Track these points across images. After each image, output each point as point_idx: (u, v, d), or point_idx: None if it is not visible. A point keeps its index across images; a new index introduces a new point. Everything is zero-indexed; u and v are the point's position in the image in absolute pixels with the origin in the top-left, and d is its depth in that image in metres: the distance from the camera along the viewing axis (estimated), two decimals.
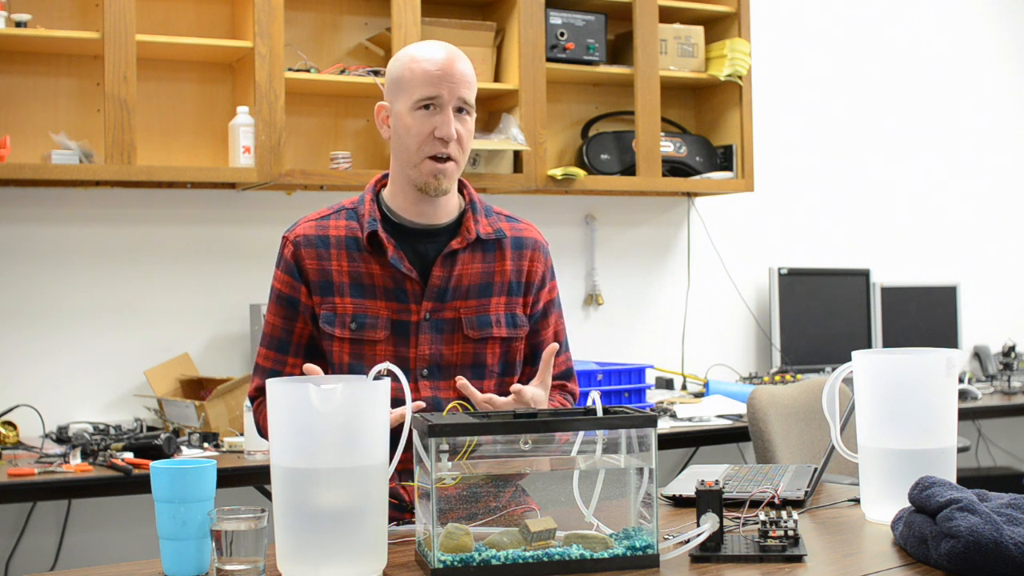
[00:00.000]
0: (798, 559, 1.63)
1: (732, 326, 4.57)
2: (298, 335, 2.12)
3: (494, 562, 1.56)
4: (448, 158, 2.07)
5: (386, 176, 2.18)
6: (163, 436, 2.98)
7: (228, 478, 2.85)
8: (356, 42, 3.83)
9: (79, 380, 3.47)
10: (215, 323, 3.65)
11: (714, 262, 4.51)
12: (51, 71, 3.42)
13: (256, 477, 2.96)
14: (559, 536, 1.62)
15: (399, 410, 1.77)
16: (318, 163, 3.73)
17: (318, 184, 3.61)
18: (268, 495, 2.88)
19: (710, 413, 3.73)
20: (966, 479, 2.02)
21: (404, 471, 1.96)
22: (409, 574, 1.61)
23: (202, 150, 3.60)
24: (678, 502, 2.03)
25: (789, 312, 4.47)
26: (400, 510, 2.04)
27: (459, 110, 2.08)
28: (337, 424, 1.53)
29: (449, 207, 2.15)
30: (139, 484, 2.79)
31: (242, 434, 3.08)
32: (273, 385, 1.57)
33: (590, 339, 4.23)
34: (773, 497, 1.90)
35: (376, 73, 3.60)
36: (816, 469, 2.18)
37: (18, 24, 3.21)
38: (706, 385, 4.10)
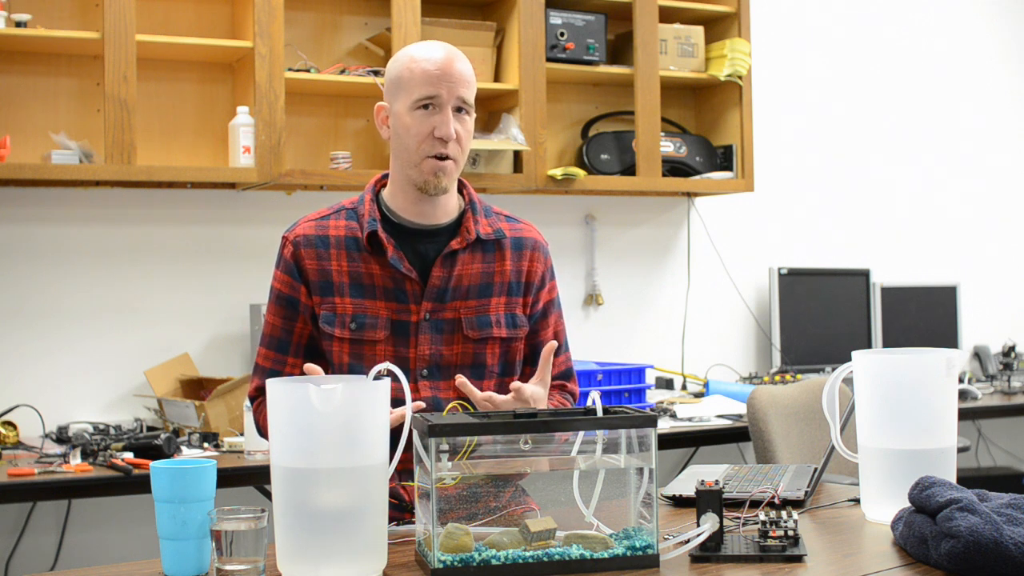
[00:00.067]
0: (798, 559, 1.63)
1: (732, 326, 4.57)
2: (298, 335, 2.12)
3: (494, 562, 1.56)
4: (447, 157, 2.07)
5: (386, 176, 2.18)
6: (163, 436, 2.98)
7: (228, 478, 2.84)
8: (356, 42, 3.83)
9: (79, 380, 3.47)
10: (215, 323, 3.65)
11: (714, 262, 4.51)
12: (51, 71, 3.42)
13: (256, 477, 2.96)
14: (559, 536, 1.62)
15: (399, 410, 1.77)
16: (318, 163, 3.73)
17: (318, 184, 3.61)
18: (268, 495, 2.88)
19: (710, 413, 3.73)
20: (966, 479, 2.02)
21: (404, 471, 1.96)
22: (409, 574, 1.61)
23: (202, 150, 3.60)
24: (678, 502, 2.03)
25: (789, 312, 4.47)
26: (400, 510, 2.04)
27: (458, 110, 2.08)
28: (337, 424, 1.53)
29: (449, 207, 2.15)
30: (139, 484, 2.79)
31: (242, 434, 3.08)
32: (273, 385, 1.57)
33: (590, 339, 4.23)
34: (773, 497, 1.90)
35: (376, 73, 3.60)
36: (816, 469, 2.18)
37: (18, 24, 3.21)
38: (706, 385, 4.10)
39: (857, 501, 2.02)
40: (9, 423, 3.16)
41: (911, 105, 5.04)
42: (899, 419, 1.87)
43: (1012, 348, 4.77)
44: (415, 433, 1.65)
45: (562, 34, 3.89)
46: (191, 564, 1.60)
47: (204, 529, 1.59)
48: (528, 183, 3.81)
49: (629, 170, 4.06)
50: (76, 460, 2.88)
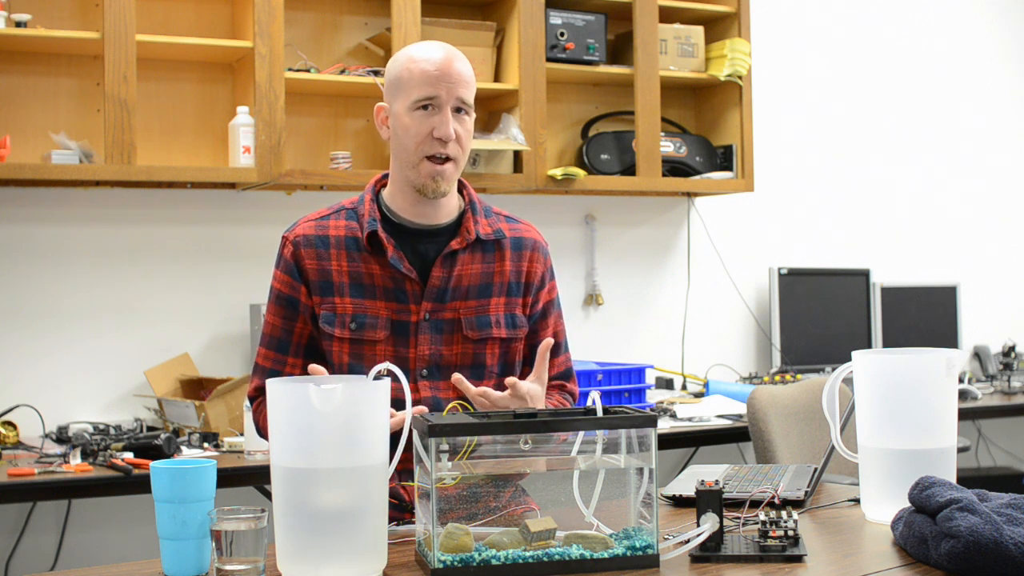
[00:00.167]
0: (798, 559, 1.63)
1: (732, 326, 4.57)
2: (298, 335, 2.12)
3: (494, 562, 1.56)
4: (447, 158, 2.07)
5: (386, 176, 2.18)
6: (163, 436, 2.98)
7: (228, 478, 2.84)
8: (356, 42, 3.83)
9: (79, 380, 3.47)
10: (215, 323, 3.65)
11: (714, 262, 4.51)
12: (51, 71, 3.42)
13: (256, 477, 2.96)
14: (559, 536, 1.62)
15: (399, 416, 1.77)
16: (318, 163, 3.73)
17: (318, 184, 3.61)
18: (268, 495, 2.88)
19: (710, 413, 3.73)
20: (966, 479, 2.02)
21: (404, 471, 1.96)
22: (409, 574, 1.61)
23: (202, 150, 3.60)
24: (678, 502, 2.03)
25: (789, 312, 4.47)
26: (400, 510, 2.04)
27: (458, 110, 2.08)
28: (337, 424, 1.53)
29: (449, 207, 2.15)
30: (139, 484, 2.79)
31: (242, 434, 3.08)
32: (273, 385, 1.57)
33: (590, 339, 4.23)
34: (773, 497, 1.90)
35: (376, 73, 3.60)
36: (816, 469, 2.18)
37: (18, 24, 3.21)
38: (706, 385, 4.10)
39: (857, 501, 2.02)
40: (9, 423, 3.16)
41: (911, 105, 5.04)
42: (899, 419, 1.87)
43: (1012, 348, 4.77)
44: (415, 433, 1.65)
45: (562, 34, 3.89)
46: (191, 564, 1.60)
47: (204, 529, 1.59)
48: (528, 183, 3.81)
49: (629, 170, 4.06)
50: (76, 460, 2.88)
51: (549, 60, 3.85)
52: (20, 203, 3.42)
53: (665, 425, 3.57)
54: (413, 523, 1.85)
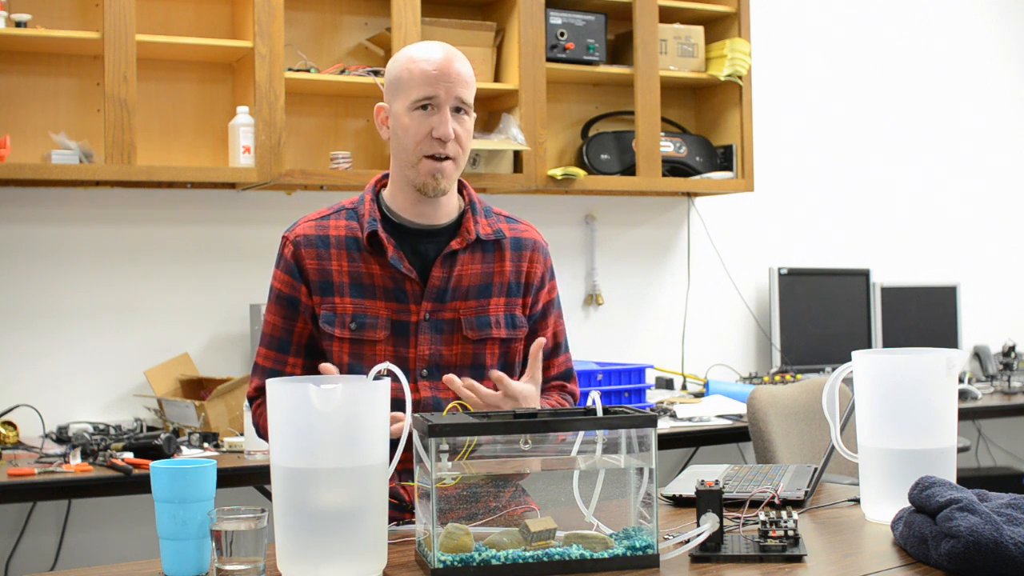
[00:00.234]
0: (798, 559, 1.63)
1: (732, 326, 4.57)
2: (298, 335, 2.12)
3: (494, 562, 1.56)
4: (446, 157, 2.07)
5: (386, 176, 2.18)
6: (163, 436, 2.98)
7: (228, 478, 2.84)
8: (356, 42, 3.83)
9: (79, 380, 3.47)
10: (215, 323, 3.65)
11: (714, 262, 4.51)
12: (51, 71, 3.42)
13: (256, 477, 2.96)
14: (559, 536, 1.62)
15: (398, 425, 1.77)
16: (318, 163, 3.73)
17: (318, 184, 3.61)
18: (268, 495, 2.88)
19: (710, 413, 3.73)
20: (966, 479, 2.02)
21: (404, 471, 1.96)
22: (409, 574, 1.61)
23: (202, 150, 3.60)
24: (678, 502, 2.03)
25: (789, 312, 4.47)
26: (400, 510, 2.04)
27: (457, 110, 2.08)
28: (337, 424, 1.53)
29: (449, 207, 2.15)
30: (139, 484, 2.79)
31: (242, 434, 3.08)
32: (273, 385, 1.57)
33: (590, 339, 4.23)
34: (773, 497, 1.90)
35: (376, 73, 3.60)
36: (816, 469, 2.18)
37: (18, 24, 3.21)
38: (706, 385, 4.10)
39: (857, 501, 2.02)
40: (9, 423, 3.16)
41: (911, 105, 5.04)
42: (899, 419, 1.87)
43: (1012, 348, 4.77)
44: (415, 433, 1.65)
45: (562, 34, 3.89)
46: (191, 564, 1.60)
47: (204, 529, 1.59)
48: (528, 183, 3.81)
49: (629, 170, 4.06)
50: (76, 460, 2.88)
51: (549, 60, 3.85)
52: (20, 203, 3.42)
53: (665, 425, 3.57)
54: (413, 523, 1.85)
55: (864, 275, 4.67)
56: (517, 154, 3.80)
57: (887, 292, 4.67)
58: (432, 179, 2.07)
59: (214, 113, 3.61)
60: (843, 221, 4.85)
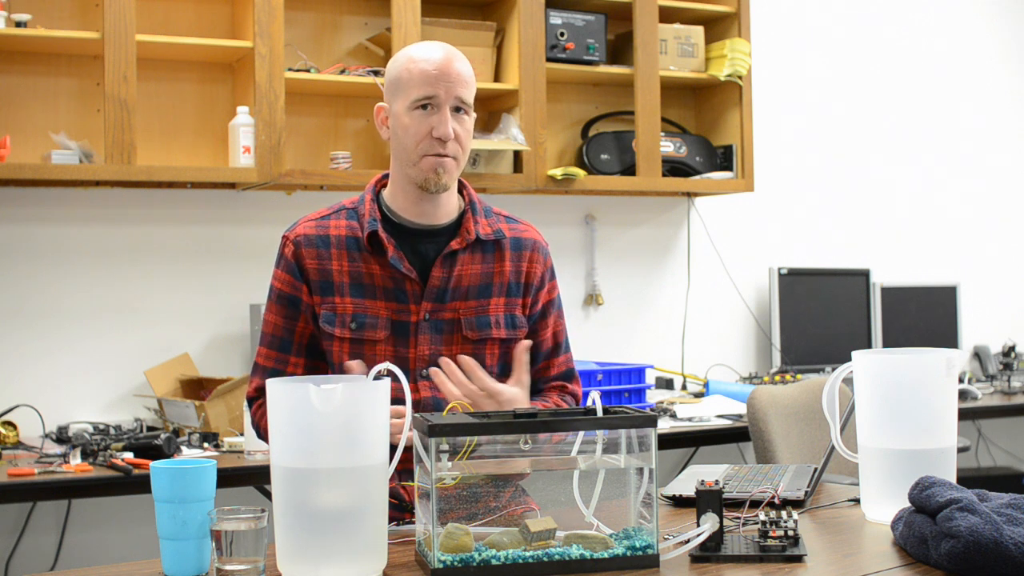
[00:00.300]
0: (798, 559, 1.63)
1: (732, 326, 4.57)
2: (299, 334, 2.12)
3: (494, 562, 1.56)
4: (446, 156, 2.07)
5: (386, 176, 2.18)
6: (163, 436, 2.98)
7: (228, 478, 2.84)
8: (356, 42, 3.83)
9: (79, 380, 3.47)
10: (215, 323, 3.65)
11: (714, 262, 4.51)
12: (51, 71, 3.42)
13: (256, 477, 2.96)
14: (559, 536, 1.62)
15: (398, 422, 1.77)
16: (318, 163, 3.73)
17: (318, 184, 3.61)
18: (268, 495, 2.88)
19: (710, 413, 3.73)
20: (966, 479, 2.02)
21: (404, 471, 1.96)
22: (409, 574, 1.61)
23: (202, 150, 3.60)
24: (678, 502, 2.03)
25: (789, 312, 4.47)
26: (400, 510, 2.04)
27: (457, 109, 2.08)
28: (337, 424, 1.53)
29: (449, 207, 2.15)
30: (139, 484, 2.79)
31: (242, 434, 3.08)
32: (273, 385, 1.57)
33: (590, 339, 4.23)
34: (773, 497, 1.90)
35: (376, 73, 3.60)
36: (816, 469, 2.18)
37: (18, 24, 3.21)
38: (706, 385, 4.10)
39: (857, 501, 2.02)
40: (9, 423, 3.16)
41: (911, 105, 5.04)
42: (899, 419, 1.87)
43: (1012, 348, 4.77)
44: (415, 433, 1.65)
45: (562, 34, 3.89)
46: (191, 564, 1.60)
47: (204, 529, 1.59)
48: (528, 183, 3.81)
49: (629, 170, 4.06)
50: (76, 460, 2.88)
51: (549, 60, 3.85)
52: (20, 203, 3.42)
53: (665, 425, 3.57)
54: (413, 523, 1.85)
55: (864, 275, 4.67)
56: (517, 154, 3.81)
57: (887, 292, 4.67)
58: (434, 174, 2.07)
59: (214, 113, 3.61)
60: (843, 221, 4.86)
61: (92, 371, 3.48)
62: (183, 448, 3.06)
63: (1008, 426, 5.09)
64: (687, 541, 1.62)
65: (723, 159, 4.25)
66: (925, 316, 4.78)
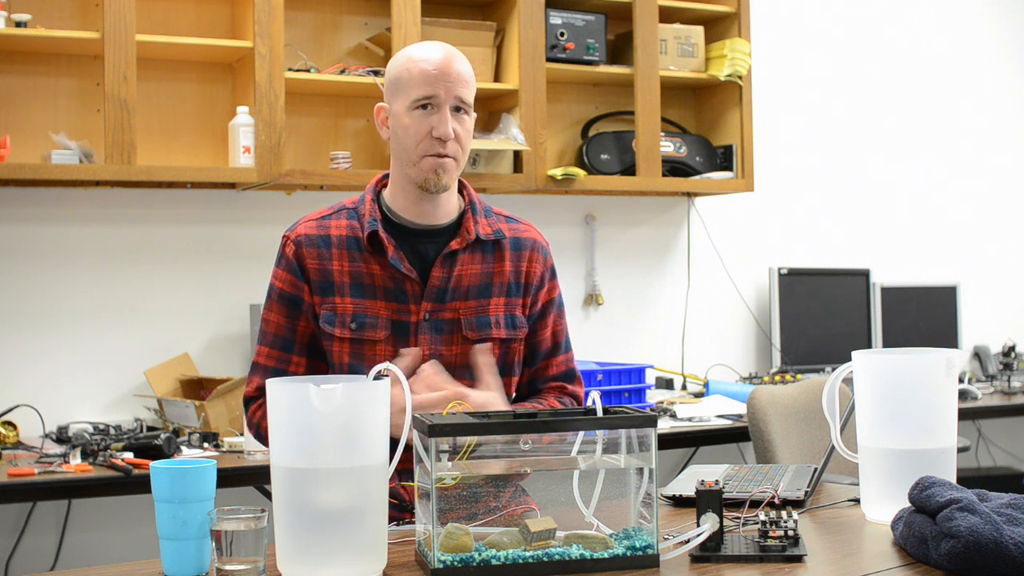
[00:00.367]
0: (798, 559, 1.63)
1: (732, 326, 4.57)
2: (301, 334, 2.12)
3: (494, 562, 1.56)
4: (446, 156, 2.07)
5: (387, 176, 2.18)
6: (163, 436, 2.98)
7: (228, 478, 2.85)
8: (356, 42, 3.83)
9: (79, 380, 3.47)
10: (215, 323, 3.65)
11: (714, 262, 4.51)
12: (51, 71, 3.42)
13: (256, 477, 2.96)
14: (559, 536, 1.62)
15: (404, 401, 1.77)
16: (318, 163, 3.73)
17: (318, 184, 3.61)
18: (268, 495, 2.88)
19: (710, 413, 3.73)
20: (966, 479, 2.02)
21: (404, 471, 1.96)
22: (409, 574, 1.61)
23: (202, 150, 3.60)
24: (678, 502, 2.03)
25: (789, 312, 4.47)
26: (400, 510, 2.04)
27: (457, 109, 2.08)
28: (337, 424, 1.53)
29: (449, 207, 2.15)
30: (139, 484, 2.79)
31: (242, 434, 3.08)
32: (273, 385, 1.57)
33: (590, 339, 4.23)
34: (773, 497, 1.90)
35: (376, 73, 3.60)
36: (816, 469, 2.18)
37: (18, 24, 3.21)
38: (706, 385, 4.10)
39: (857, 501, 2.02)
40: (9, 423, 3.16)
41: (911, 105, 5.04)
42: (899, 419, 1.87)
43: (1012, 348, 4.77)
44: (415, 433, 1.65)
45: (562, 34, 3.89)
46: (191, 564, 1.60)
47: (204, 529, 1.59)
48: (528, 183, 3.81)
49: (629, 170, 4.06)
50: (76, 460, 2.88)
51: (549, 60, 3.85)
52: (20, 203, 3.42)
53: (665, 425, 3.57)
54: (413, 523, 1.85)
55: (864, 275, 4.67)
56: (517, 154, 3.81)
57: (887, 292, 4.67)
58: (434, 174, 2.07)
59: (214, 113, 3.61)
60: (843, 221, 4.86)
61: (92, 371, 3.48)
62: (183, 448, 3.06)
63: (1008, 426, 5.09)
64: (687, 541, 1.62)
65: (723, 159, 4.25)
66: (925, 316, 4.78)
